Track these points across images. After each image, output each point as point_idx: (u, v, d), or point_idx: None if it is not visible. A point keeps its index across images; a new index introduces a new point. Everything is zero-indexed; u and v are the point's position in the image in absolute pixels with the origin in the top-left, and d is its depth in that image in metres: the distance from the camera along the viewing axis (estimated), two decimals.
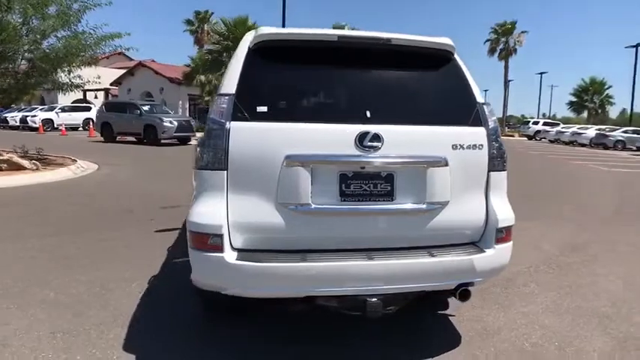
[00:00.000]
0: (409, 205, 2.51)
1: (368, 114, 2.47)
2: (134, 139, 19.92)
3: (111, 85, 35.78)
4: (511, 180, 2.83)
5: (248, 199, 2.41)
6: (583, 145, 30.58)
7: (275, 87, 2.58)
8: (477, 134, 2.62)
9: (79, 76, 11.44)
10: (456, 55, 2.75)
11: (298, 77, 2.63)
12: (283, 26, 23.73)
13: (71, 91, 11.77)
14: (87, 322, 3.03)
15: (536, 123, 40.34)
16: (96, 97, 35.39)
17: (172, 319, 3.13)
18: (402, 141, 2.48)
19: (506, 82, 50.24)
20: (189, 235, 2.45)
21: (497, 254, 2.61)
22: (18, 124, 28.86)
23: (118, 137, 20.02)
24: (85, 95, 33.79)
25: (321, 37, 2.55)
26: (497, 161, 2.66)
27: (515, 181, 3.34)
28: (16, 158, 10.05)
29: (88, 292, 3.55)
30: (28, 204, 7.08)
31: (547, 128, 37.20)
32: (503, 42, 48.20)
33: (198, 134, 22.72)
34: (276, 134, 2.42)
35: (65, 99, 30.52)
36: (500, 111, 50.41)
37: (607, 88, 50.37)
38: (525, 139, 38.64)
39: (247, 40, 2.64)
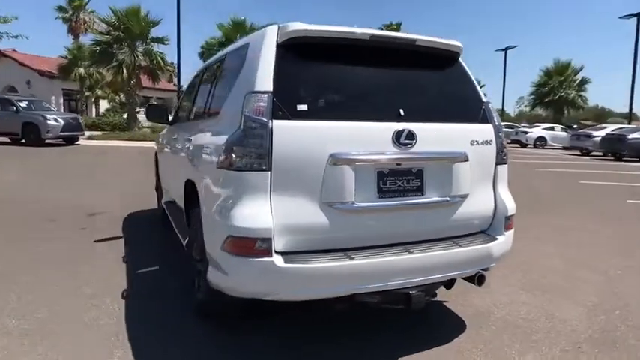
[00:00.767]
0: (436, 199, 2.64)
1: (401, 112, 2.54)
2: (8, 140, 17.49)
3: None
4: None
5: (292, 200, 2.34)
6: (524, 146, 27.57)
7: (311, 84, 2.53)
8: (486, 131, 2.83)
9: None
10: (461, 57, 2.95)
11: (333, 75, 2.60)
12: (178, 25, 22.63)
13: None
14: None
15: None
16: None
17: (176, 332, 2.90)
18: (430, 138, 2.59)
19: None
20: (229, 242, 2.29)
21: (506, 240, 2.86)
22: None
23: None
24: None
25: (353, 35, 2.55)
26: (502, 155, 2.90)
27: None
28: None
29: (58, 314, 3.11)
30: None
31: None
32: None
33: (99, 132, 20.77)
34: (319, 133, 2.38)
35: None
36: None
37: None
38: None
39: (270, 36, 2.52)
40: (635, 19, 26.53)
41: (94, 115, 32.95)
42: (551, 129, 29.11)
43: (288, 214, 2.32)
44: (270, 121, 2.29)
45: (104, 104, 36.89)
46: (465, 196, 2.72)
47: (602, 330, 3.09)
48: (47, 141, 16.95)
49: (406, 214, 2.60)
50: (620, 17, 27.38)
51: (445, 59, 2.87)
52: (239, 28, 26.98)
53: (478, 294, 3.66)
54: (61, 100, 31.32)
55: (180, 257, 4.45)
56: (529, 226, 5.83)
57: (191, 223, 3.27)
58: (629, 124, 26.89)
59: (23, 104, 17.56)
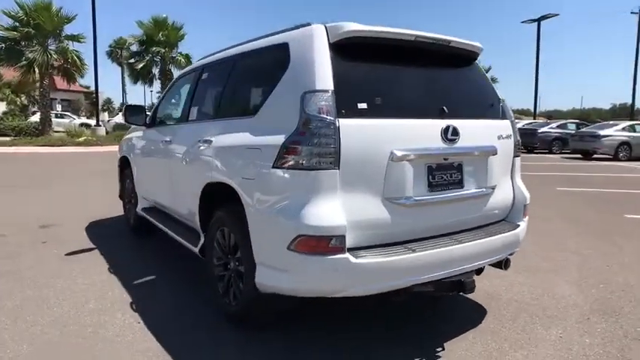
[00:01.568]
0: (474, 191, 2.81)
1: (445, 109, 2.67)
2: None
3: None
4: None
5: (357, 196, 2.37)
6: None
7: (365, 83, 2.57)
8: (506, 126, 3.06)
9: None
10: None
11: (383, 73, 2.65)
12: (94, 24, 21.08)
13: None
14: None
15: None
16: None
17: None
18: (468, 133, 2.75)
19: None
20: (299, 241, 2.27)
21: (524, 227, 3.11)
22: None
23: None
24: None
25: (401, 35, 2.63)
26: (518, 149, 3.15)
27: None
28: None
29: (76, 335, 2.85)
30: None
31: None
32: None
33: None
34: (379, 130, 2.44)
35: None
36: None
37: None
38: None
39: (319, 35, 2.51)
40: (535, 24, 29.33)
41: None
42: None
43: (354, 210, 2.35)
44: (337, 120, 2.30)
45: (1, 107, 33.45)
46: (494, 187, 2.92)
47: (599, 302, 3.47)
48: None
49: (450, 206, 2.74)
50: (522, 22, 30.17)
51: (469, 59, 3.06)
52: (161, 25, 25.89)
53: (480, 279, 3.90)
54: None
55: (173, 264, 4.26)
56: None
57: (211, 228, 3.16)
58: (534, 119, 29.74)
59: None
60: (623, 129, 18.06)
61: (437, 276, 2.55)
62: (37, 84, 21.34)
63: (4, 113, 30.44)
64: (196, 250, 3.38)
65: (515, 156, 3.14)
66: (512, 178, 3.14)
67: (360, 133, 2.38)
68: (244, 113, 2.98)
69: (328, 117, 2.30)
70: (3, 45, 19.61)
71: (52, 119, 23.14)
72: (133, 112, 4.54)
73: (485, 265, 3.04)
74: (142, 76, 27.81)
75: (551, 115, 59.79)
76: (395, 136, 2.47)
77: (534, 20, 29.19)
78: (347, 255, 2.27)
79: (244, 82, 3.25)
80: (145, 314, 3.16)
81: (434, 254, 2.50)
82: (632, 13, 31.59)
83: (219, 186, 2.99)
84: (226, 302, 3.00)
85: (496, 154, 2.90)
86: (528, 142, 20.64)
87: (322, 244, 2.25)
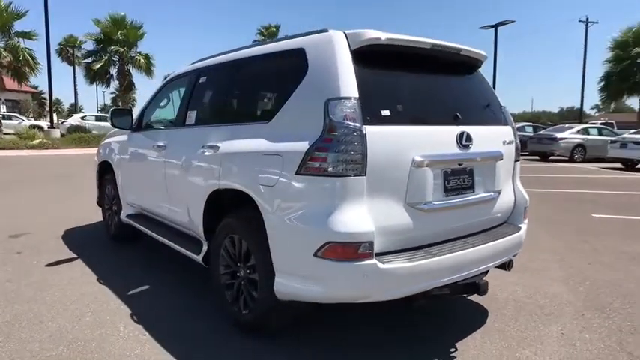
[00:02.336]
0: (483, 195, 2.90)
1: (458, 115, 2.74)
2: None
3: None
4: None
5: (382, 202, 2.40)
6: None
7: (387, 90, 2.59)
8: (509, 132, 3.18)
9: None
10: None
11: (403, 80, 2.69)
12: (46, 20, 20.06)
13: None
14: None
15: None
16: None
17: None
18: (479, 139, 2.83)
19: None
20: (328, 248, 2.27)
21: (525, 229, 3.24)
22: None
23: None
24: None
25: (418, 44, 2.67)
26: (518, 153, 3.28)
27: None
28: None
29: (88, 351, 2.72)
30: None
31: None
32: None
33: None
34: (402, 137, 2.48)
35: None
36: None
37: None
38: None
39: (340, 42, 2.52)
40: (493, 30, 30.38)
41: None
42: None
43: (379, 216, 2.37)
44: (364, 127, 2.32)
45: None
46: (500, 192, 3.03)
47: (589, 299, 3.65)
48: None
49: (462, 210, 2.81)
50: (480, 27, 31.17)
51: (474, 67, 3.16)
52: (119, 24, 25.12)
53: None
54: None
55: (164, 272, 4.14)
56: None
57: (217, 235, 3.10)
58: None
59: None
60: (578, 132, 19.09)
61: (454, 278, 2.62)
62: None
63: None
64: (199, 258, 3.30)
65: (517, 160, 3.27)
66: (513, 181, 3.26)
67: (385, 140, 2.40)
68: (256, 119, 2.95)
69: (355, 124, 2.31)
70: None
71: (1, 121, 21.91)
72: (119, 116, 4.38)
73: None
74: (98, 76, 26.87)
75: None
76: (415, 143, 2.51)
77: (492, 26, 30.23)
78: (375, 260, 2.29)
79: (253, 87, 3.21)
80: (149, 325, 3.05)
81: (452, 257, 2.56)
82: (579, 21, 33.48)
83: (228, 193, 2.94)
84: (236, 310, 2.95)
85: (502, 159, 3.00)
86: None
87: (351, 250, 2.26)
